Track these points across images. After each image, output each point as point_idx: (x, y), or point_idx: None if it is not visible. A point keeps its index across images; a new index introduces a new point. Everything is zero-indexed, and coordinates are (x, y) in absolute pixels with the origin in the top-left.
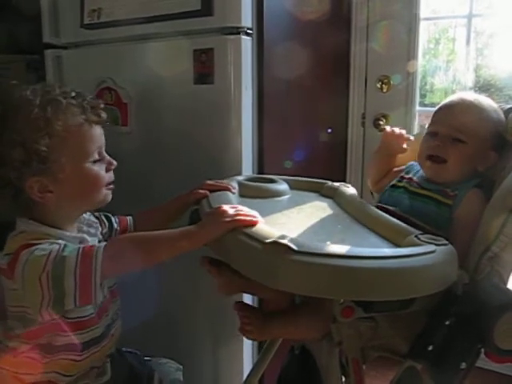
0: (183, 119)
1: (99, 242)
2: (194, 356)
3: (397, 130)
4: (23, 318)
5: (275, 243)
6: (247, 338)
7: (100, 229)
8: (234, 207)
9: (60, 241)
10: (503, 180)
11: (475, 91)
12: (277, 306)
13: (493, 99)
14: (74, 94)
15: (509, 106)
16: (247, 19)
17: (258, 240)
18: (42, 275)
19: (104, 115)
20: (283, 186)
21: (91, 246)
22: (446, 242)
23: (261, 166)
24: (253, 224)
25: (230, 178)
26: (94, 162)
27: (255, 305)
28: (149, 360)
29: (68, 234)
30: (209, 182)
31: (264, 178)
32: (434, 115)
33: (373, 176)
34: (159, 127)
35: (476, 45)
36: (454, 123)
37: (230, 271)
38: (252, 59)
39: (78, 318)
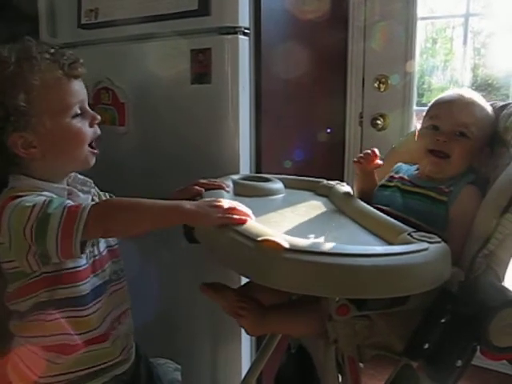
0: (180, 119)
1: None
2: (192, 356)
3: (362, 154)
4: (15, 273)
5: (267, 241)
6: (241, 324)
7: (95, 189)
8: (230, 203)
9: (46, 193)
10: (497, 178)
11: (472, 91)
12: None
13: (490, 98)
14: (52, 51)
15: (502, 104)
16: (244, 19)
17: (250, 238)
18: (26, 228)
19: (82, 70)
20: (278, 185)
21: (77, 206)
22: (439, 240)
23: (258, 166)
24: (243, 223)
25: (225, 176)
26: (76, 116)
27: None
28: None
29: (56, 185)
30: (202, 180)
31: (259, 177)
32: (432, 110)
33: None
34: (156, 127)
35: (473, 44)
36: (458, 119)
37: (228, 293)
38: (249, 59)
39: (73, 268)
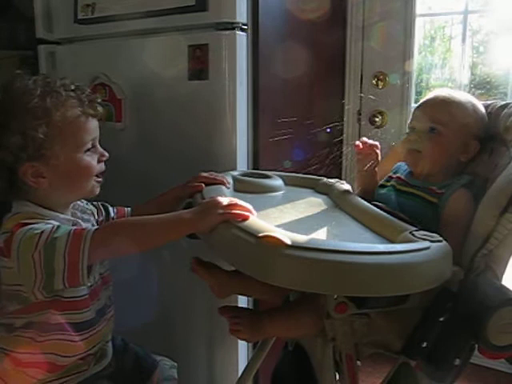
0: (178, 115)
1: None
2: (188, 353)
3: (365, 139)
4: (18, 297)
5: (268, 237)
6: (240, 338)
7: (96, 217)
8: (229, 200)
9: (53, 221)
10: (496, 177)
11: (470, 89)
12: (271, 304)
13: (488, 96)
14: (73, 87)
15: (502, 103)
16: (242, 15)
17: (251, 234)
18: (34, 253)
19: (100, 109)
20: (278, 182)
21: (82, 229)
22: (441, 239)
23: (256, 162)
24: (245, 218)
25: (225, 172)
26: (87, 151)
27: (250, 305)
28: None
29: (62, 216)
30: (204, 174)
31: (259, 174)
32: (412, 113)
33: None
34: (153, 123)
35: (472, 43)
36: (428, 116)
37: (220, 273)
38: (247, 55)
39: (72, 297)
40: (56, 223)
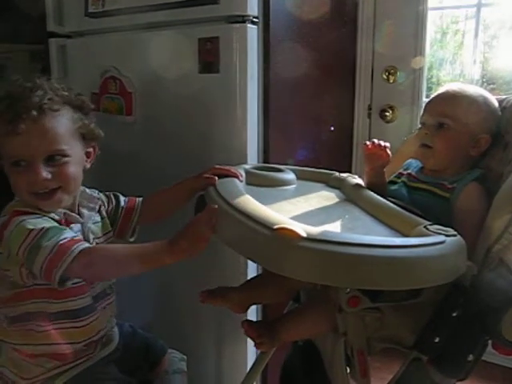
0: (188, 109)
1: (102, 218)
2: (198, 347)
3: (376, 141)
4: (5, 281)
5: (284, 229)
6: (262, 349)
7: (106, 206)
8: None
9: (49, 217)
10: (511, 172)
11: (482, 84)
12: (281, 309)
13: (499, 92)
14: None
15: None
16: (253, 7)
17: (267, 226)
18: (20, 248)
19: (23, 126)
20: (290, 176)
21: (68, 247)
22: (456, 233)
23: (266, 156)
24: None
25: (238, 165)
26: (17, 165)
27: (259, 315)
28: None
29: (60, 209)
30: (217, 166)
31: (271, 168)
32: (423, 108)
33: None
34: (164, 117)
35: (484, 37)
36: (437, 110)
37: (231, 293)
38: (258, 48)
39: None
40: (48, 224)
